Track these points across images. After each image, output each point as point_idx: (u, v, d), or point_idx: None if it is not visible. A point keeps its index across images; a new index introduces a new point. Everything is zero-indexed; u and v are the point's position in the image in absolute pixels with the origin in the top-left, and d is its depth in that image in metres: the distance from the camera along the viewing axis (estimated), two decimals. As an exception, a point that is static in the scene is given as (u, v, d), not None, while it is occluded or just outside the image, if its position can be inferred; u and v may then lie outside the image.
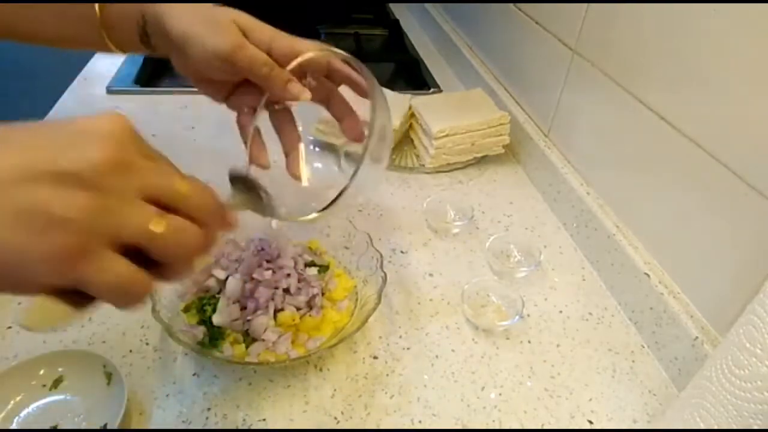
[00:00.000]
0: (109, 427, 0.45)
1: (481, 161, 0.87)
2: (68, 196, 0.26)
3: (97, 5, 0.49)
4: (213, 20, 0.47)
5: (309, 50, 0.49)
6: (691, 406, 0.43)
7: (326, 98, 0.53)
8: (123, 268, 0.28)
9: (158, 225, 0.28)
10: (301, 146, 0.54)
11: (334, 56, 0.50)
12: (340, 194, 0.41)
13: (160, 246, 0.29)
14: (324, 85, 0.52)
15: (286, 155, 0.53)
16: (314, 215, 0.44)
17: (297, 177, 0.53)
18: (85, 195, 0.26)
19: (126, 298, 0.29)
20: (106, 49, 0.53)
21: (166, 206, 0.29)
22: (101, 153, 0.27)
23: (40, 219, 0.25)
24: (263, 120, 0.52)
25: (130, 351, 0.53)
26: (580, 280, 0.68)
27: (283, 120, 0.53)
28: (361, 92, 0.51)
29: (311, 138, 0.82)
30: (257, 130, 0.52)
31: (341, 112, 0.53)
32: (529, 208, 0.80)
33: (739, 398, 0.39)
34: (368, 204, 0.76)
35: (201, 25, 0.47)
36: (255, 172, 0.51)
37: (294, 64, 0.49)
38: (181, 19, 0.48)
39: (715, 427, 0.40)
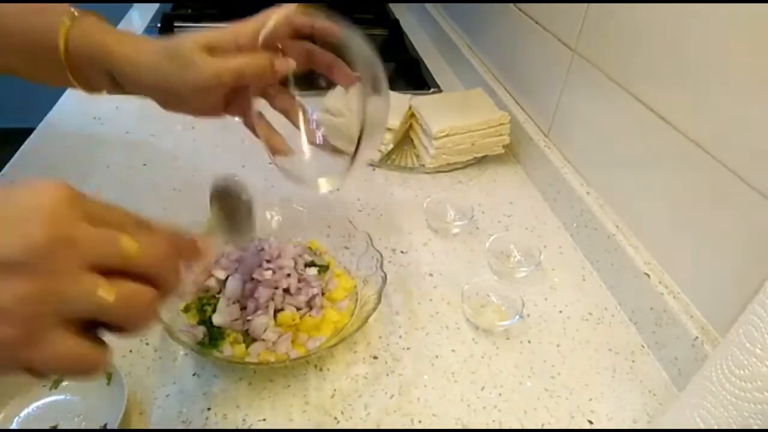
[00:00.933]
0: (109, 427, 0.45)
1: (481, 161, 0.87)
2: (7, 286, 0.25)
3: (62, 54, 0.47)
4: (177, 57, 0.46)
5: (268, 22, 0.49)
6: (691, 406, 0.43)
7: (307, 58, 0.52)
8: (71, 349, 0.27)
9: (109, 293, 0.27)
10: (313, 113, 0.55)
11: (293, 15, 0.49)
12: (361, 133, 0.44)
13: (114, 314, 0.28)
14: (299, 47, 0.52)
15: (299, 128, 0.53)
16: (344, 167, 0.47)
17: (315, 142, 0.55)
18: (24, 281, 0.25)
19: (80, 373, 0.29)
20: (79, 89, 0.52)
21: (116, 271, 0.28)
22: (39, 233, 0.25)
23: None
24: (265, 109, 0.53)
25: (130, 351, 0.53)
26: (580, 280, 0.68)
27: (284, 99, 0.53)
28: (333, 35, 0.50)
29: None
30: (266, 124, 0.53)
31: (326, 63, 0.53)
32: (529, 208, 0.80)
33: (739, 398, 0.39)
34: (368, 204, 0.76)
35: (169, 66, 0.47)
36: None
37: (260, 42, 0.48)
38: (148, 70, 0.47)
39: (715, 427, 0.40)
